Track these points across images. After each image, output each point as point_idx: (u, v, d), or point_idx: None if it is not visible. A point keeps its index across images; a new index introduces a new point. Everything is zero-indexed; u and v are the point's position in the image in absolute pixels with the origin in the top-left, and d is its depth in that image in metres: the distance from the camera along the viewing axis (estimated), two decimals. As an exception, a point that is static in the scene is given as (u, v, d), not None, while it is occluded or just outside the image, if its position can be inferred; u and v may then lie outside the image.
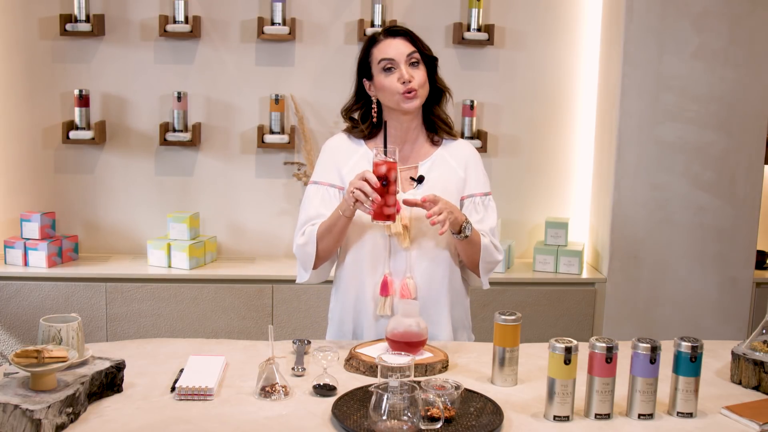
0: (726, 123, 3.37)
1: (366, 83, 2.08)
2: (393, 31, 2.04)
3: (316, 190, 2.09)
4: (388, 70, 2.01)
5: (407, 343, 1.82)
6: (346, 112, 2.14)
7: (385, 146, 1.97)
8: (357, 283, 2.07)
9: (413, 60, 2.01)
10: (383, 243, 2.03)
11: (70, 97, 3.49)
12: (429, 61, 2.07)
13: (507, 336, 1.72)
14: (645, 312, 3.46)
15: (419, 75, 2.01)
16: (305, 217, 2.07)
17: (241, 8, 3.53)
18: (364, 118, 2.11)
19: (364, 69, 2.07)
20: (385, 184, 1.87)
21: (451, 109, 2.21)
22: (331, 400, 1.59)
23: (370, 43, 2.06)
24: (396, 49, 2.01)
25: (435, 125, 2.12)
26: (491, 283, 3.35)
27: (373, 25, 3.48)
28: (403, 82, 1.98)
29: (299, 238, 2.06)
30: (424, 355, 1.84)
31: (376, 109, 2.08)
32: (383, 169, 1.87)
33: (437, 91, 2.10)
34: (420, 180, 2.06)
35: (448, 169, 2.09)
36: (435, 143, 2.12)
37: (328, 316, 2.20)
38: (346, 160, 2.09)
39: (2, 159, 3.56)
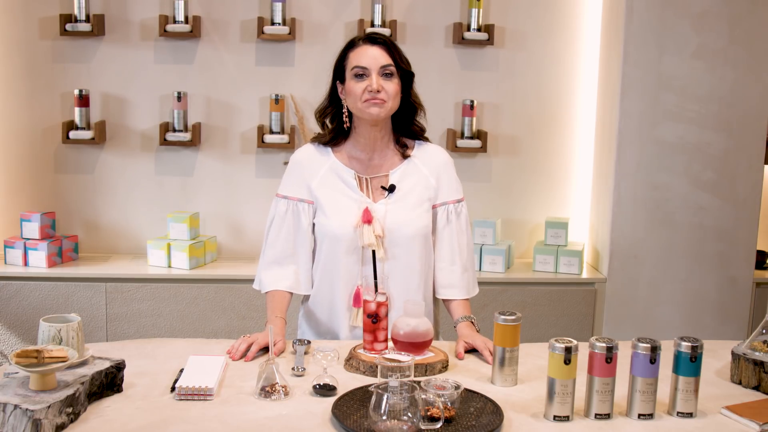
0: (726, 123, 3.37)
1: (339, 86, 2.06)
2: (373, 38, 2.01)
3: (287, 206, 2.08)
4: (359, 76, 1.98)
5: (412, 344, 1.81)
6: (320, 114, 2.11)
7: (375, 279, 1.98)
8: (331, 294, 2.07)
9: (387, 72, 1.99)
10: (355, 254, 2.03)
11: (70, 97, 3.49)
12: (405, 75, 2.03)
13: (507, 336, 1.72)
14: (645, 312, 3.46)
15: (390, 87, 1.98)
16: (279, 250, 2.08)
17: (241, 8, 3.53)
18: (337, 122, 2.09)
19: (339, 71, 2.05)
20: (375, 321, 1.87)
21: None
22: (331, 400, 1.59)
23: (348, 47, 2.04)
24: (372, 57, 1.98)
25: (408, 134, 2.11)
26: (491, 283, 3.40)
27: (373, 25, 3.48)
28: (369, 91, 1.96)
29: (272, 268, 2.09)
30: (425, 355, 1.84)
31: (346, 114, 2.05)
32: (372, 306, 1.87)
33: (411, 107, 2.08)
34: (391, 189, 2.05)
35: (420, 177, 2.08)
36: (405, 156, 2.09)
37: (300, 320, 2.20)
38: (314, 173, 2.08)
39: (2, 159, 3.56)
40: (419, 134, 2.13)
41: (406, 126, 2.10)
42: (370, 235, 1.99)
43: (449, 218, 2.10)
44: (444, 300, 2.14)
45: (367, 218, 2.00)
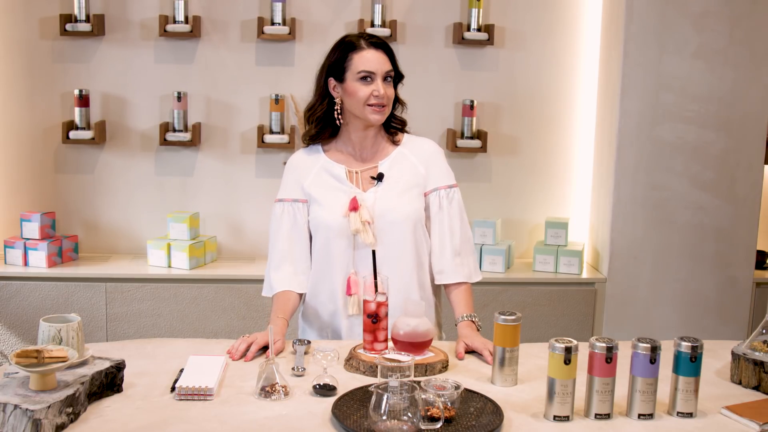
0: (726, 123, 3.37)
1: (332, 82, 2.08)
2: (375, 42, 2.06)
3: (282, 208, 2.13)
4: (365, 79, 2.02)
5: (412, 344, 1.81)
6: (311, 112, 2.12)
7: (375, 278, 1.97)
8: (328, 284, 2.10)
9: (388, 77, 2.05)
10: (347, 242, 2.05)
11: (70, 97, 3.49)
12: (397, 76, 2.10)
13: (507, 336, 1.72)
14: (645, 312, 3.46)
15: (390, 92, 2.06)
16: (278, 252, 2.12)
17: (241, 8, 3.53)
18: (324, 118, 2.11)
19: (337, 70, 2.06)
20: (375, 321, 1.87)
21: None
22: (331, 400, 1.59)
23: (350, 48, 2.05)
24: (378, 63, 2.03)
25: (390, 126, 2.16)
26: (491, 283, 3.40)
27: (373, 25, 3.48)
28: (376, 96, 2.01)
29: (272, 271, 2.12)
30: (425, 355, 1.84)
31: (339, 110, 2.09)
32: (372, 306, 1.87)
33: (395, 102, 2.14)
34: (379, 178, 2.09)
35: (408, 166, 2.12)
36: (395, 142, 2.15)
37: (300, 320, 2.21)
38: (306, 174, 2.13)
39: (2, 159, 3.56)
40: (398, 125, 2.17)
41: (388, 119, 2.14)
42: (357, 221, 2.02)
43: (441, 204, 2.12)
44: (445, 288, 2.15)
45: (354, 206, 2.03)
